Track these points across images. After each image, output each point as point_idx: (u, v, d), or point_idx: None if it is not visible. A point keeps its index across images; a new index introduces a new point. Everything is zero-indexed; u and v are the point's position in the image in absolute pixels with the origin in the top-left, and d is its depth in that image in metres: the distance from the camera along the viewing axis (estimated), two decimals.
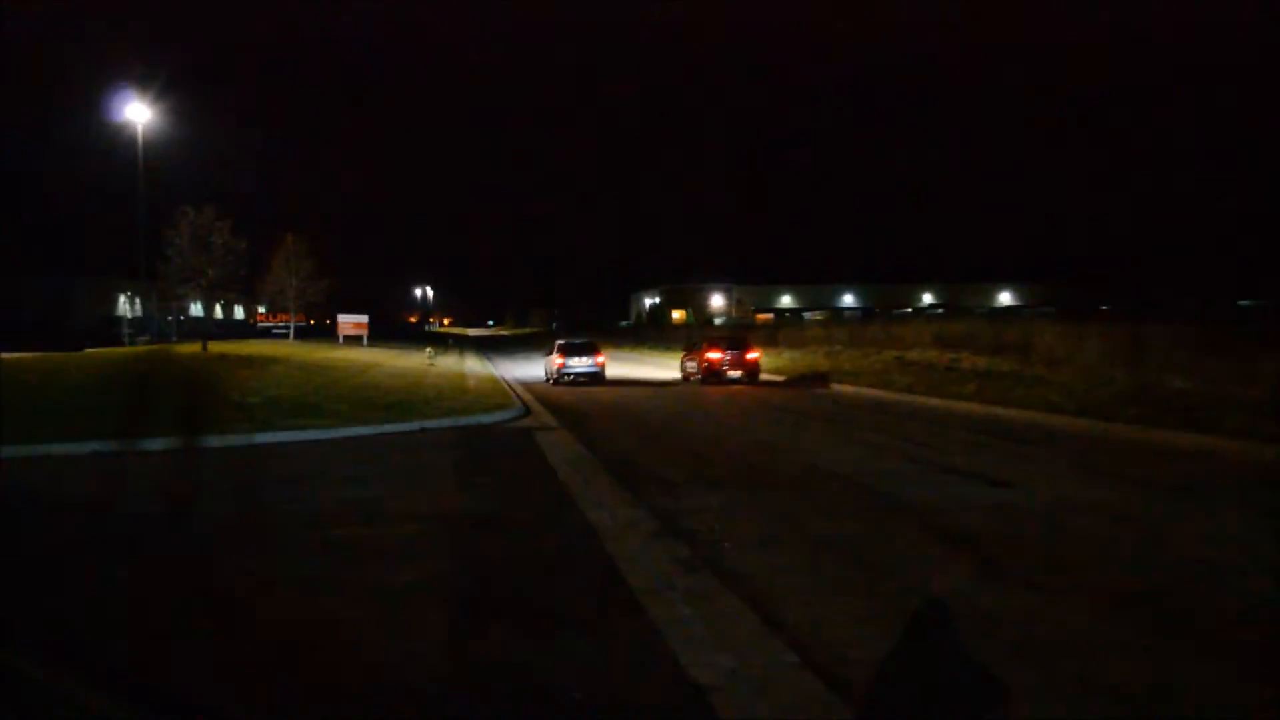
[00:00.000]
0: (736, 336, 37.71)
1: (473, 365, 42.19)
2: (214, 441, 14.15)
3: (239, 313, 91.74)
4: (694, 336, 40.67)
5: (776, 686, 4.93)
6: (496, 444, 15.26)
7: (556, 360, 31.55)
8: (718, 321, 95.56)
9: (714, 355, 31.35)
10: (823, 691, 4.87)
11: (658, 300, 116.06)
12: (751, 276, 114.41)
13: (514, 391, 26.42)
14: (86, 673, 1.98)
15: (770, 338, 49.37)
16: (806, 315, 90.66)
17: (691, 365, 33.33)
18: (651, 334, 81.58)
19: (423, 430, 16.40)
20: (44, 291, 59.93)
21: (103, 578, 7.06)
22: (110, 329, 56.36)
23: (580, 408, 22.60)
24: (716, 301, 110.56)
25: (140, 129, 37.60)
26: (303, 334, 66.59)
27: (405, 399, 21.07)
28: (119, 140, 38.51)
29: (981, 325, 33.71)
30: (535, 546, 8.12)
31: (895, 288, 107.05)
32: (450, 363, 42.24)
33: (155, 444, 13.53)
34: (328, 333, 69.39)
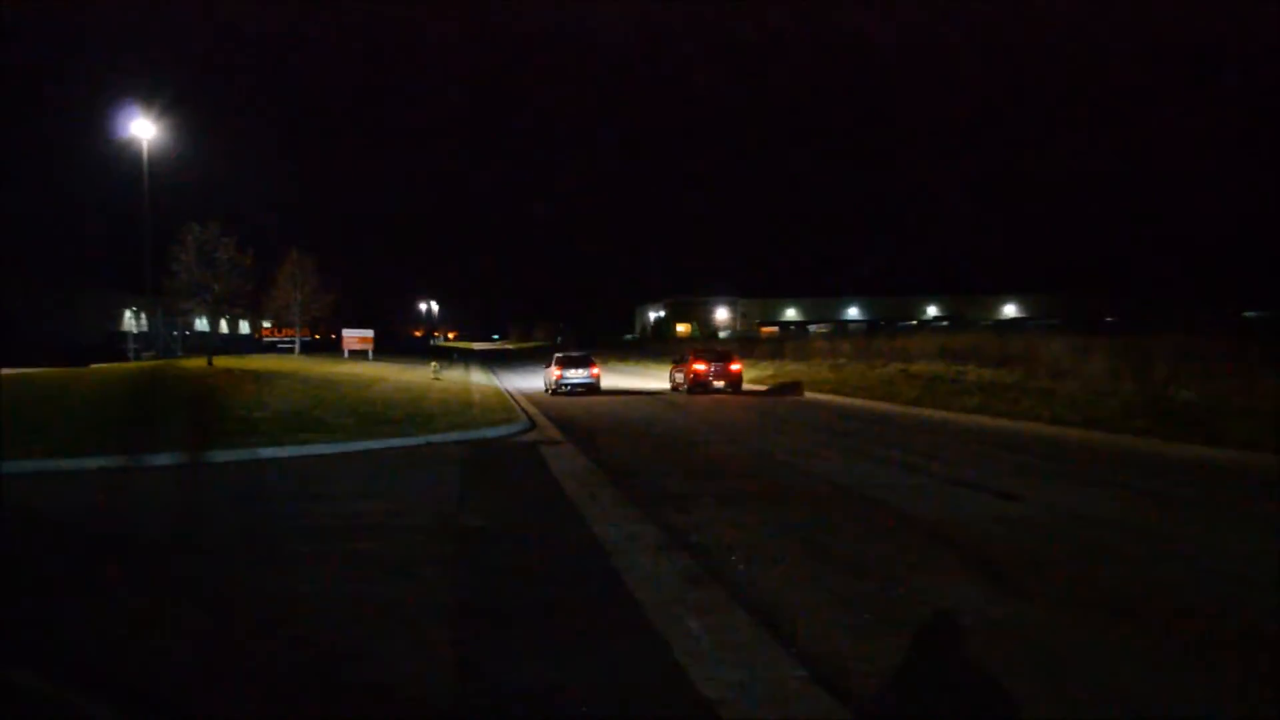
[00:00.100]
0: (720, 350, 39.97)
1: (478, 379, 42.19)
2: (219, 456, 14.18)
3: (244, 328, 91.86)
4: (682, 350, 42.02)
5: (785, 701, 4.91)
6: (502, 458, 15.26)
7: (555, 372, 33.49)
8: (723, 334, 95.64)
9: (700, 367, 33.33)
10: (832, 706, 4.84)
11: (663, 313, 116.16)
12: (756, 289, 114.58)
13: (519, 405, 26.43)
14: (89, 687, 1.97)
15: (776, 350, 49.48)
16: (812, 328, 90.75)
17: (679, 376, 35.08)
18: (655, 347, 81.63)
19: (428, 445, 16.39)
20: (49, 306, 60.00)
21: (105, 593, 7.05)
22: (116, 344, 56.40)
23: (581, 420, 22.61)
24: (721, 314, 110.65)
25: (146, 145, 37.76)
26: (308, 349, 66.76)
27: (410, 413, 21.06)
28: (125, 156, 38.73)
29: (987, 337, 33.74)
30: (542, 560, 8.10)
31: (900, 300, 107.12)
32: (455, 377, 42.26)
33: (161, 459, 13.57)
34: (333, 347, 69.56)
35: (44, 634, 5.68)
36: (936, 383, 28.59)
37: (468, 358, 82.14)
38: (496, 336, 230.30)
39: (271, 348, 69.82)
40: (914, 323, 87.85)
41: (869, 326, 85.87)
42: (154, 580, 7.51)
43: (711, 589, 7.03)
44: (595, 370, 33.91)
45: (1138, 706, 5.09)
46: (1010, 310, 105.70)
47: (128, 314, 67.88)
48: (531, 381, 41.73)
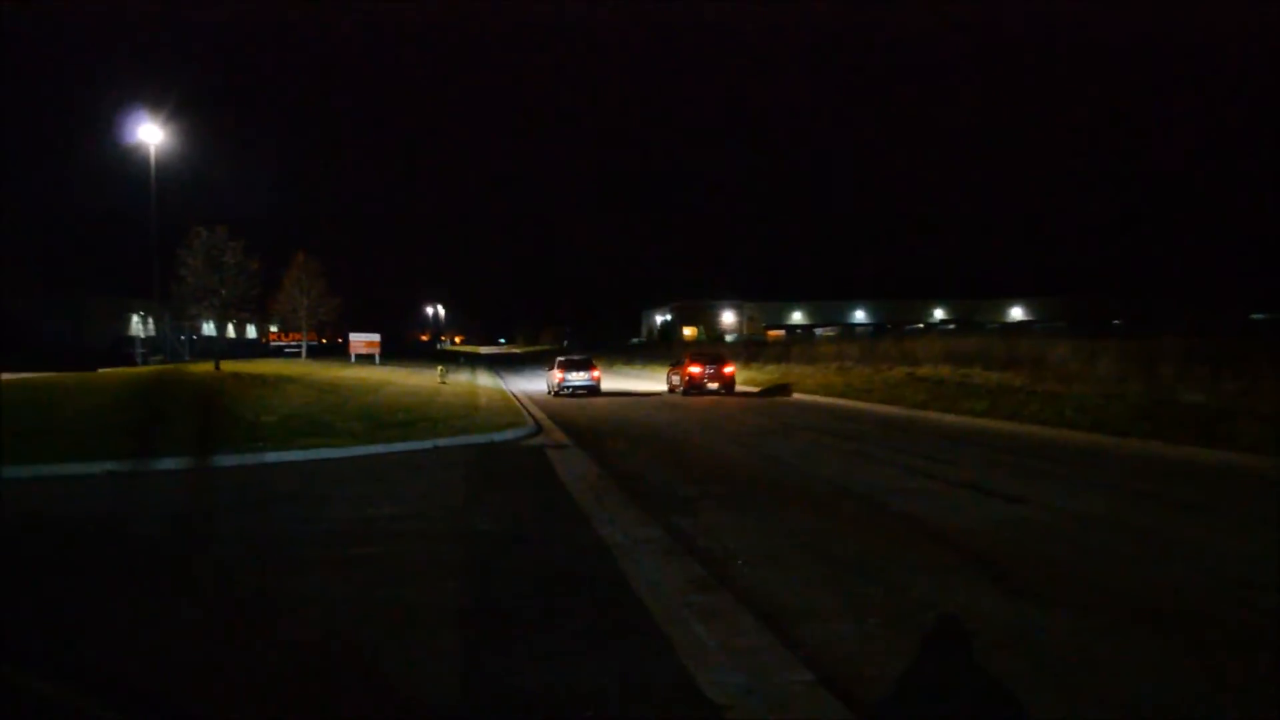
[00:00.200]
0: (714, 353, 42.12)
1: (484, 383, 42.25)
2: (227, 461, 14.20)
3: (251, 332, 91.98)
4: (679, 353, 45.00)
5: (792, 705, 4.90)
6: (509, 462, 15.25)
7: (557, 375, 34.89)
8: (729, 338, 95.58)
9: (694, 370, 35.09)
10: (839, 710, 4.83)
11: (669, 317, 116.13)
12: (763, 293, 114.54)
13: (526, 409, 26.45)
14: (94, 688, 1.98)
15: (783, 354, 49.44)
16: (818, 331, 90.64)
17: (676, 379, 36.86)
18: (660, 351, 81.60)
19: (435, 448, 16.41)
20: (57, 311, 60.23)
21: (110, 596, 7.06)
22: (124, 349, 56.50)
23: (585, 422, 22.64)
24: (728, 318, 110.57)
25: (153, 150, 37.85)
26: (315, 353, 66.86)
27: (418, 417, 21.08)
28: (132, 161, 38.82)
29: (993, 341, 33.66)
30: (548, 564, 8.10)
31: (907, 303, 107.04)
32: (462, 381, 42.30)
33: (169, 463, 13.59)
34: (340, 351, 69.60)
35: (48, 635, 5.69)
36: (943, 386, 28.56)
37: (474, 361, 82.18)
38: (503, 340, 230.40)
39: (278, 352, 69.93)
40: (921, 326, 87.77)
41: (875, 330, 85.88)
42: (160, 583, 7.51)
43: (718, 593, 7.04)
44: (596, 373, 35.15)
45: (1145, 711, 5.07)
46: (1017, 313, 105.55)
47: (135, 318, 68.13)
48: (536, 384, 42.52)
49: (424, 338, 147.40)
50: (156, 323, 63.71)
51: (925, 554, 8.62)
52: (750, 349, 58.16)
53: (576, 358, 37.51)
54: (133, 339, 60.72)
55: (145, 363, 50.32)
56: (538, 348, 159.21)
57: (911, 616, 6.61)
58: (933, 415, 24.07)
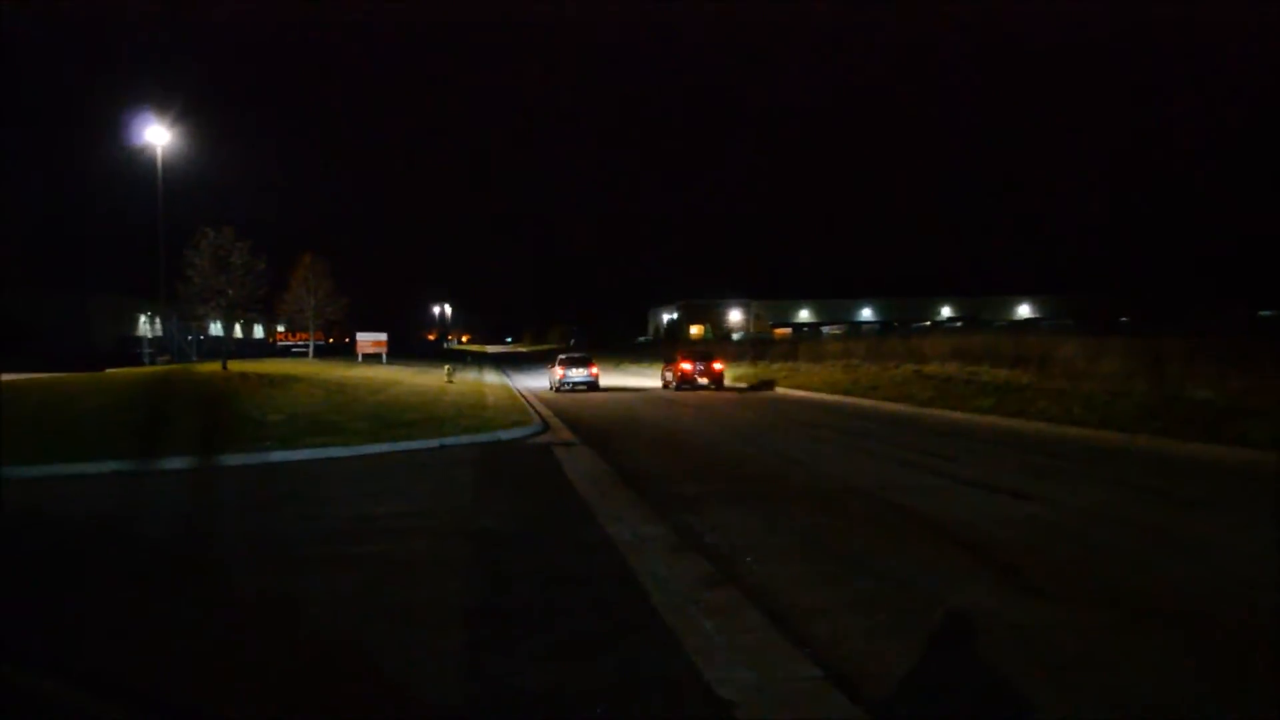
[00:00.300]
0: (704, 350, 44.57)
1: (491, 382, 42.30)
2: (234, 460, 14.23)
3: (258, 332, 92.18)
4: (673, 351, 47.40)
5: (800, 702, 4.90)
6: (516, 460, 15.26)
7: (558, 372, 37.11)
8: (736, 336, 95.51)
9: (686, 366, 37.48)
10: (847, 707, 4.83)
11: (675, 316, 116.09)
12: (769, 291, 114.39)
13: (532, 407, 26.47)
14: (97, 687, 1.98)
15: (790, 352, 49.46)
16: (825, 329, 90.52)
17: (669, 375, 39.11)
18: (667, 349, 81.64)
19: (442, 447, 16.42)
20: (63, 312, 60.32)
21: (114, 595, 7.08)
22: (131, 349, 56.63)
23: (590, 419, 22.65)
24: (734, 316, 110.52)
25: (160, 151, 37.88)
26: (322, 352, 66.89)
27: (425, 416, 21.10)
28: (139, 161, 38.86)
29: (1001, 338, 33.66)
30: (556, 561, 8.10)
31: (914, 301, 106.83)
32: (469, 379, 42.36)
33: (175, 463, 13.63)
34: (347, 351, 69.66)
35: (53, 635, 5.71)
36: (950, 383, 28.54)
37: (481, 360, 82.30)
38: (510, 339, 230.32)
39: (285, 352, 70.00)
40: (928, 324, 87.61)
41: (882, 327, 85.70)
42: (165, 582, 7.53)
43: (726, 590, 7.03)
44: (594, 370, 37.50)
45: (1153, 708, 5.06)
46: (1024, 311, 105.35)
47: (142, 319, 68.25)
48: (541, 382, 43.63)
49: (431, 337, 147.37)
50: (163, 323, 63.77)
51: (932, 551, 8.60)
52: (757, 347, 58.18)
53: (576, 355, 40.01)
54: (140, 339, 60.89)
55: (152, 363, 50.45)
56: (544, 346, 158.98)
57: (919, 613, 6.60)
58: (939, 412, 24.06)
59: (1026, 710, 5.01)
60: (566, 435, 19.16)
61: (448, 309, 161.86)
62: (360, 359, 59.29)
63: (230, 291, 41.00)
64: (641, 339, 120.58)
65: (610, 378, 45.95)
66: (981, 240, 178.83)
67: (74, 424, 17.53)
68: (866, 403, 28.70)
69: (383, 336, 62.95)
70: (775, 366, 46.10)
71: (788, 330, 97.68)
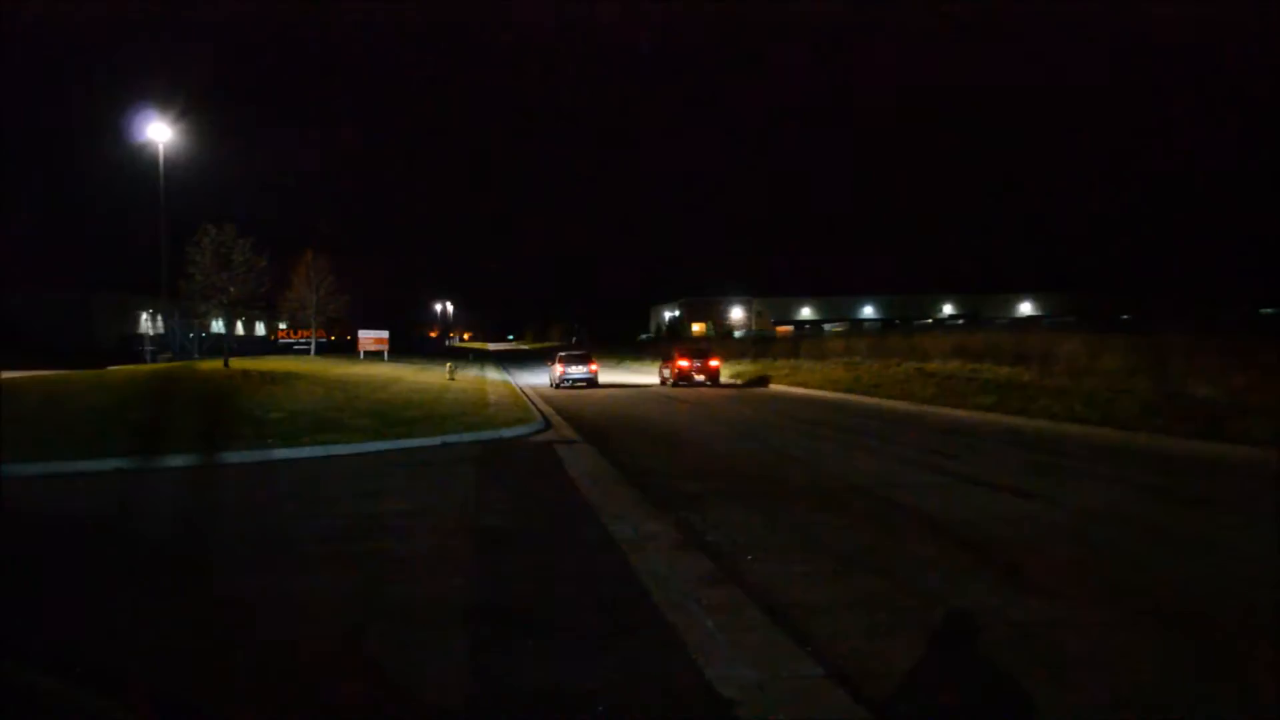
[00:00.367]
0: (701, 348, 45.24)
1: (493, 379, 42.34)
2: (235, 457, 14.23)
3: (260, 329, 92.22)
4: (670, 349, 48.07)
5: (801, 700, 4.90)
6: (518, 457, 15.26)
7: (558, 369, 37.90)
8: (738, 334, 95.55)
9: (683, 363, 38.23)
10: (849, 705, 4.83)
11: (678, 313, 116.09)
12: (771, 288, 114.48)
13: (534, 405, 26.48)
14: (99, 685, 1.98)
15: (791, 350, 49.50)
16: (827, 327, 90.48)
17: (666, 372, 39.93)
18: (667, 348, 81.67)
19: (444, 445, 16.42)
20: (65, 309, 60.40)
21: (116, 593, 7.08)
22: (132, 346, 56.71)
23: (591, 417, 22.64)
24: (736, 314, 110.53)
25: (162, 148, 37.90)
26: (323, 350, 66.93)
27: (427, 414, 21.10)
28: (141, 159, 38.90)
29: (1002, 336, 33.69)
30: (558, 559, 8.10)
31: (915, 299, 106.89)
32: (471, 377, 42.39)
33: (177, 460, 13.63)
34: (348, 348, 69.76)
35: (54, 633, 5.71)
36: (951, 381, 28.53)
37: (483, 358, 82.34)
38: (511, 337, 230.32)
39: (287, 349, 69.97)
40: (929, 321, 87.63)
41: (884, 325, 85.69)
42: (167, 579, 7.53)
43: (727, 588, 7.04)
44: (594, 366, 38.42)
45: (1156, 707, 5.06)
46: (1026, 308, 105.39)
47: (144, 316, 68.29)
48: (542, 379, 44.36)
49: (433, 334, 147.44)
50: (165, 320, 63.90)
51: (933, 549, 8.60)
52: (758, 345, 58.23)
53: (576, 353, 41.26)
54: (142, 337, 60.92)
55: (154, 360, 50.51)
56: (547, 344, 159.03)
57: (920, 611, 6.60)
58: (941, 410, 24.04)
59: (1027, 708, 5.02)
60: (568, 433, 19.15)
61: (449, 306, 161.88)
62: (362, 356, 59.37)
63: (232, 289, 41.03)
64: (644, 336, 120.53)
65: (611, 375, 47.95)
66: (983, 238, 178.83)
67: (75, 421, 17.54)
68: (869, 400, 28.68)
69: (384, 334, 63.01)
70: (777, 364, 46.16)
71: (789, 328, 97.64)
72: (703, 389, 36.53)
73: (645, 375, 48.76)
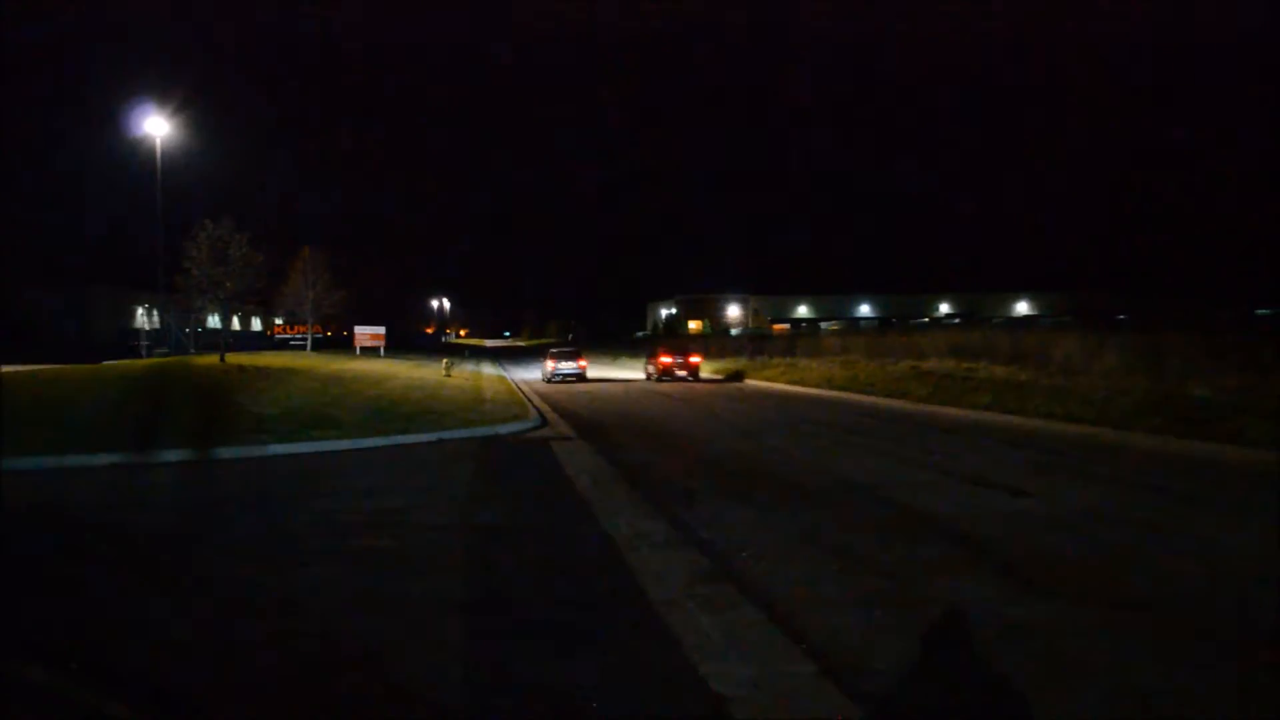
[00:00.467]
0: (682, 345, 50.22)
1: (489, 376, 42.38)
2: (231, 453, 14.21)
3: (256, 324, 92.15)
4: (654, 346, 51.24)
5: (796, 697, 4.90)
6: (513, 454, 15.27)
7: (550, 364, 40.40)
8: (734, 332, 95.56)
9: (666, 360, 41.01)
10: (843, 702, 4.84)
11: (674, 311, 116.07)
12: (768, 286, 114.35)
13: (530, 401, 26.49)
14: (99, 682, 1.98)
15: (788, 348, 49.51)
16: (823, 325, 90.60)
17: (651, 368, 42.39)
18: (652, 344, 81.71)
19: (440, 441, 16.42)
20: (62, 304, 60.33)
21: (114, 589, 7.07)
22: (129, 341, 56.59)
23: (587, 413, 22.65)
24: (733, 311, 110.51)
25: (159, 142, 37.84)
26: (320, 345, 66.92)
27: (423, 410, 21.09)
28: (138, 154, 38.84)
29: (999, 335, 33.69)
30: (554, 556, 8.10)
31: (912, 297, 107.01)
32: (467, 373, 42.39)
33: (173, 456, 13.62)
34: (344, 344, 69.74)
35: (54, 630, 5.71)
36: (947, 380, 28.54)
37: (479, 355, 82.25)
38: (508, 333, 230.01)
39: (283, 344, 70.01)
40: (926, 320, 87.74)
41: (881, 324, 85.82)
42: (162, 575, 7.53)
43: (722, 585, 7.05)
44: (583, 362, 40.97)
45: (1151, 706, 5.07)
46: (1023, 307, 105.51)
47: (140, 311, 68.15)
48: (536, 374, 45.67)
49: (429, 330, 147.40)
50: (161, 315, 63.78)
51: (928, 546, 8.61)
52: (755, 343, 58.18)
53: (566, 350, 44.25)
54: (138, 332, 60.81)
55: (150, 355, 50.37)
56: (543, 341, 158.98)
57: (914, 609, 6.61)
58: (937, 408, 24.06)
59: (1022, 706, 5.02)
60: (564, 430, 19.17)
61: (446, 303, 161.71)
62: (358, 352, 59.36)
63: (228, 284, 40.94)
64: (640, 334, 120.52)
65: (605, 370, 50.70)
66: (980, 237, 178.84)
67: (71, 416, 17.50)
68: (865, 399, 28.71)
69: (380, 330, 62.99)
70: (773, 362, 46.19)
71: (786, 326, 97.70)
72: (684, 383, 38.68)
73: (636, 371, 49.56)
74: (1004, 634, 6.03)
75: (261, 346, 69.70)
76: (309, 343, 64.79)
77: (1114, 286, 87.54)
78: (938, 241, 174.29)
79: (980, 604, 6.67)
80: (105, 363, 36.41)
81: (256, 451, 14.37)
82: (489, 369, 50.36)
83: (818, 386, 34.17)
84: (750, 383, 40.29)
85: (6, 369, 26.40)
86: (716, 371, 46.89)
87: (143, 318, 67.32)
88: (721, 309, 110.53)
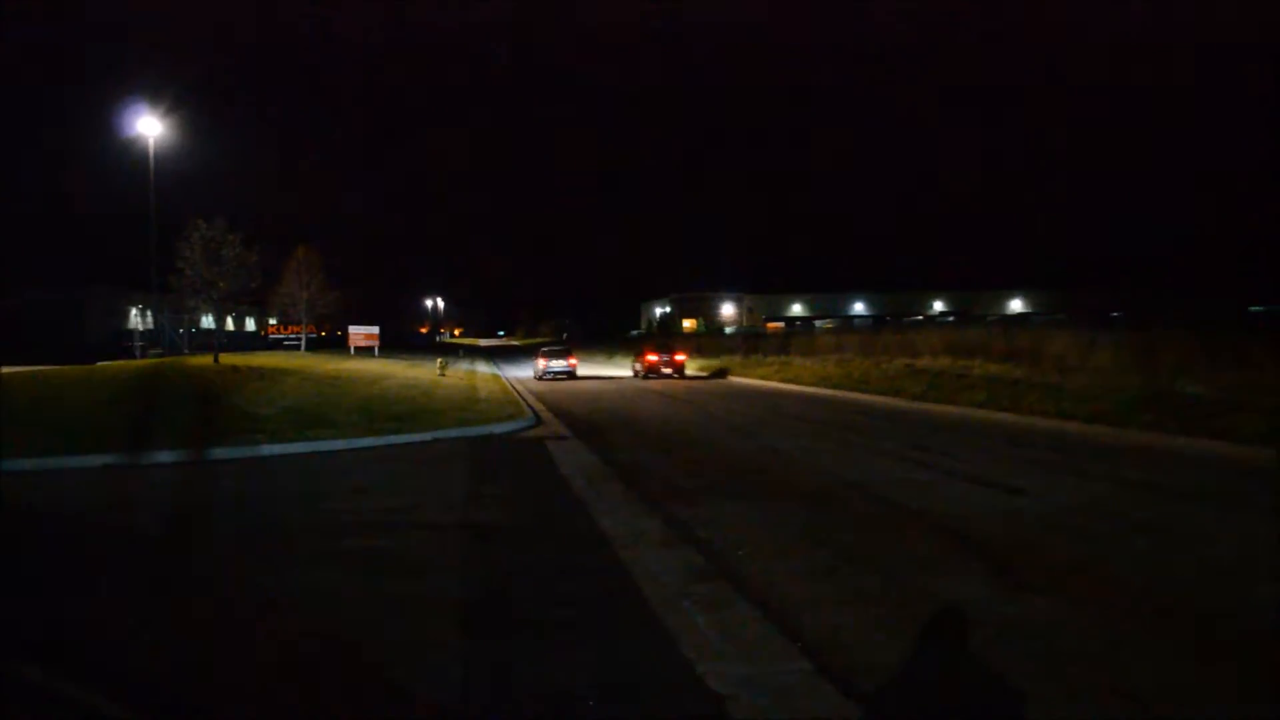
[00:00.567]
0: (668, 343, 51.55)
1: (483, 375, 42.35)
2: (225, 453, 14.19)
3: (250, 325, 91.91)
4: (640, 345, 53.44)
5: (792, 696, 4.91)
6: (508, 453, 15.27)
7: (541, 363, 41.74)
8: (729, 330, 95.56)
9: (652, 358, 42.78)
10: (839, 700, 4.84)
11: (668, 309, 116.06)
12: (763, 285, 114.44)
13: (524, 400, 26.48)
14: (96, 683, 1.98)
15: (782, 346, 49.55)
16: (818, 324, 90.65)
17: (638, 365, 43.92)
18: (639, 344, 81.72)
19: (435, 440, 16.41)
20: (56, 305, 60.15)
21: (109, 590, 7.06)
22: (122, 342, 56.46)
23: (582, 412, 22.63)
24: (727, 310, 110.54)
25: (152, 142, 37.75)
26: (314, 345, 66.70)
27: (417, 409, 21.06)
28: (131, 153, 38.76)
29: (993, 333, 33.77)
30: (549, 555, 8.10)
31: (906, 295, 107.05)
32: (461, 372, 42.38)
33: (166, 456, 13.60)
34: (339, 344, 69.50)
35: (50, 631, 5.70)
36: (942, 378, 28.58)
37: (473, 354, 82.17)
38: (502, 333, 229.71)
39: (277, 345, 69.73)
40: (920, 318, 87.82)
41: (875, 322, 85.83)
42: (156, 576, 7.52)
43: (718, 583, 7.05)
44: (572, 361, 42.47)
45: (1146, 703, 5.08)
46: (1017, 305, 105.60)
47: (134, 312, 67.96)
48: (529, 373, 46.46)
49: (423, 330, 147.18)
50: (155, 316, 63.67)
51: (923, 544, 8.62)
52: (749, 341, 58.24)
53: (557, 348, 45.94)
54: (131, 332, 60.64)
55: (143, 356, 50.29)
56: (537, 340, 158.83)
57: (910, 606, 6.61)
58: (931, 406, 24.10)
59: (1019, 704, 5.03)
60: (558, 429, 19.15)
61: (440, 303, 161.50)
62: (352, 352, 59.20)
63: (222, 284, 40.79)
64: (634, 332, 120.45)
65: (598, 368, 52.41)
66: (974, 235, 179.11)
67: (65, 418, 17.46)
68: (860, 397, 28.72)
69: (375, 330, 62.85)
70: (767, 360, 46.29)
71: (780, 324, 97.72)
72: (670, 381, 40.25)
73: (628, 369, 50.08)
74: (1001, 632, 6.04)
75: (256, 347, 69.47)
76: (303, 343, 64.64)
77: (1108, 284, 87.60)
78: (932, 240, 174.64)
79: (975, 601, 6.67)
80: (100, 364, 36.35)
81: (251, 452, 14.35)
82: (483, 368, 50.42)
83: (812, 384, 34.36)
84: (735, 379, 41.61)
85: (2, 370, 26.35)
86: (702, 369, 48.56)
87: (137, 318, 67.12)
88: (716, 308, 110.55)
